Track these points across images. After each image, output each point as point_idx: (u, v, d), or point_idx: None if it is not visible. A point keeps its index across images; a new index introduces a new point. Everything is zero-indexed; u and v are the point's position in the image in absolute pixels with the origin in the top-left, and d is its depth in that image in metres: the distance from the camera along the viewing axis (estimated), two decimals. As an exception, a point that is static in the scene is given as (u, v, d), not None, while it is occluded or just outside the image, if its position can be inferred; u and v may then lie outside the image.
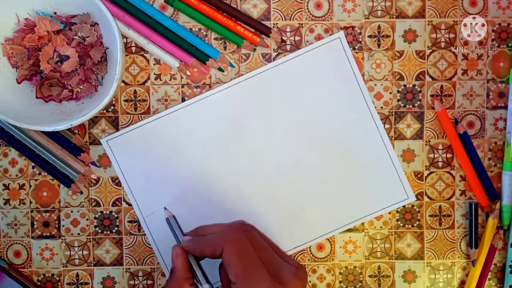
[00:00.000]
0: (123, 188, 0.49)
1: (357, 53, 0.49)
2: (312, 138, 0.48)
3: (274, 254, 0.41)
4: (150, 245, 0.49)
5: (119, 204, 0.49)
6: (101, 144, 0.49)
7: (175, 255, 0.42)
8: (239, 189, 0.49)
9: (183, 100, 0.49)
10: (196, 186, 0.49)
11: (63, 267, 0.50)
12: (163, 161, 0.49)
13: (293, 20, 0.49)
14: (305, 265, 0.50)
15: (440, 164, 0.50)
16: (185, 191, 0.49)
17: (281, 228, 0.49)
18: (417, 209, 0.50)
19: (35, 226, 0.49)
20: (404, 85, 0.49)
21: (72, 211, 0.49)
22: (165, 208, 0.47)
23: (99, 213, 0.49)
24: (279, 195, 0.49)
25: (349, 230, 0.50)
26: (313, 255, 0.50)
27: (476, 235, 0.49)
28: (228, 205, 0.49)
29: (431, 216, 0.50)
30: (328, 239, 0.50)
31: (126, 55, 0.48)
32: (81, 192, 0.49)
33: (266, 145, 0.49)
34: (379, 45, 0.49)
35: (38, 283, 0.50)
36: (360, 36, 0.49)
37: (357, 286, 0.50)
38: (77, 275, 0.50)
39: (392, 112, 0.49)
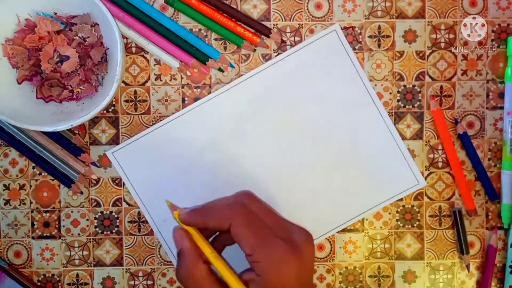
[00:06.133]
0: (123, 188, 0.49)
1: (357, 53, 0.49)
2: (316, 133, 0.48)
3: (282, 218, 0.40)
4: (150, 245, 0.49)
5: (119, 205, 0.49)
6: (101, 145, 0.49)
7: (179, 237, 0.40)
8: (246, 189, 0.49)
9: (183, 100, 0.49)
10: (205, 189, 0.49)
11: (63, 267, 0.50)
12: (170, 168, 0.48)
13: (293, 21, 0.49)
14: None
15: (440, 164, 0.50)
16: (193, 194, 0.49)
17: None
18: (417, 210, 0.50)
19: (35, 226, 0.49)
20: (404, 86, 0.49)
21: (72, 212, 0.49)
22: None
23: (99, 214, 0.49)
24: (285, 193, 0.49)
25: (349, 231, 0.50)
26: (313, 255, 0.50)
27: (465, 241, 0.49)
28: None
29: (431, 216, 0.50)
30: (328, 239, 0.50)
31: (126, 56, 0.49)
32: (81, 193, 0.49)
33: (271, 144, 0.49)
34: (379, 46, 0.49)
35: (38, 284, 0.50)
36: (360, 36, 0.49)
37: (357, 286, 0.50)
38: (77, 275, 0.50)
39: (392, 112, 0.49)
